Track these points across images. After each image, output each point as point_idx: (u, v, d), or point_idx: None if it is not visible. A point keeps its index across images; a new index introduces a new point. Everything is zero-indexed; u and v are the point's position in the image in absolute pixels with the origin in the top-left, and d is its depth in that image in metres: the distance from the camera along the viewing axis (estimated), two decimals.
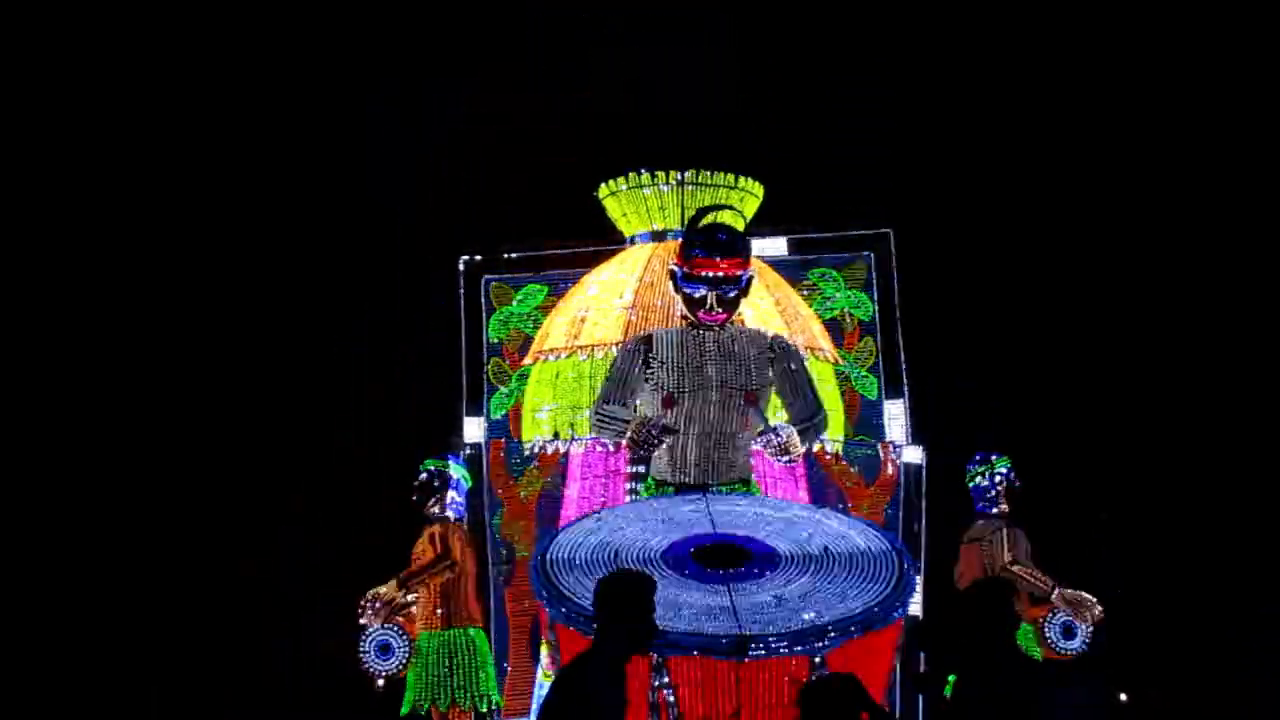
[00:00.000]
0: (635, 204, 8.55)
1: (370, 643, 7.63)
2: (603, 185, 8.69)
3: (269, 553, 9.83)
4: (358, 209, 10.07)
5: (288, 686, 9.44)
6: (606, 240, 8.90)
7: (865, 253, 8.72)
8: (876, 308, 8.67)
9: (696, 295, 6.29)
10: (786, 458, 6.09)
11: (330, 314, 10.32)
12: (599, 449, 7.91)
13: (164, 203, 9.59)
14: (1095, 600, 7.74)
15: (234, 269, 10.03)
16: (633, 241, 8.72)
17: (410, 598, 7.77)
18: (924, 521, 8.16)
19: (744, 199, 8.49)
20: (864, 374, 8.57)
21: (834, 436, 7.98)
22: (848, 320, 8.68)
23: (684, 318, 6.58)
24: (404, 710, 7.75)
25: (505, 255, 8.98)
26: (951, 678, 7.09)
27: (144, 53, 9.32)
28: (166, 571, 9.47)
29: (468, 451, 8.48)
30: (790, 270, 8.68)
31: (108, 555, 9.35)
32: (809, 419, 6.38)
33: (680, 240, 6.87)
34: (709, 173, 8.44)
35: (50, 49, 9.22)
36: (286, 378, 10.18)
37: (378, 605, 7.60)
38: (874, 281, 8.71)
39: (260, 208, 10.11)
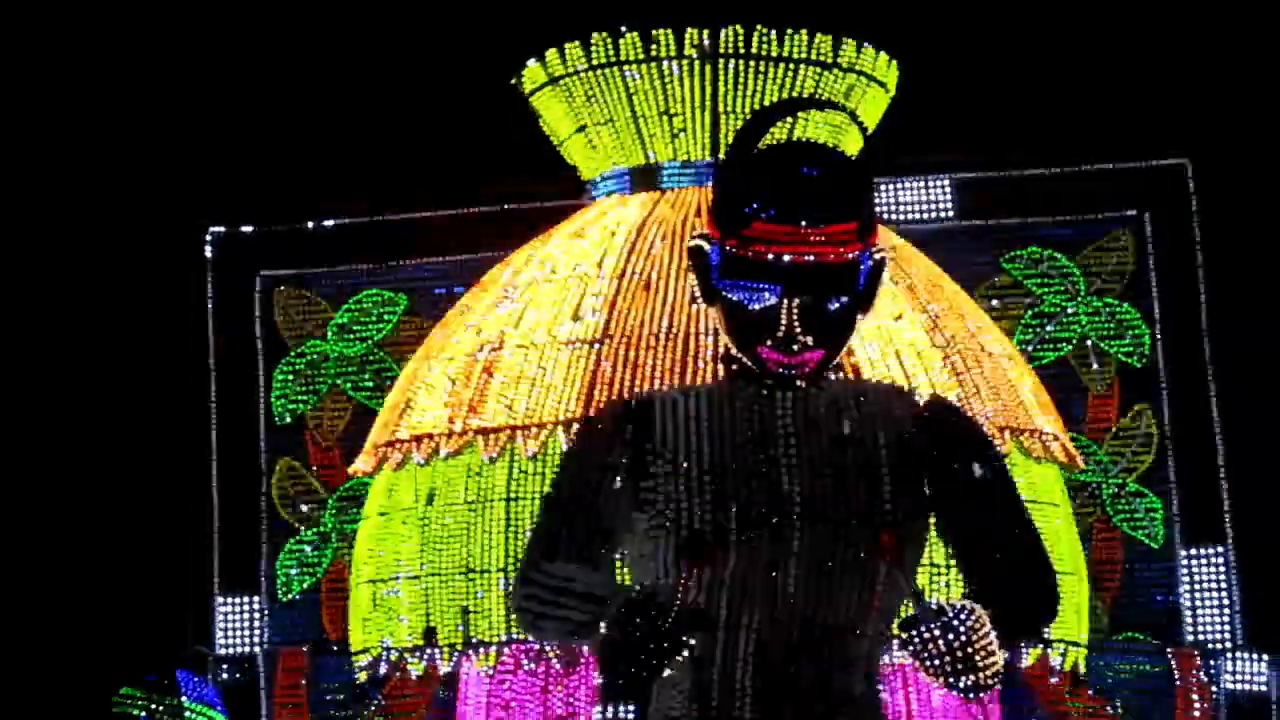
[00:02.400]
0: (607, 103, 8.82)
1: None
2: (532, 64, 8.94)
3: None
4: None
5: None
6: (537, 189, 9.30)
7: (1134, 214, 9.12)
8: (1159, 335, 9.01)
9: (756, 308, 6.17)
10: (968, 679, 6.00)
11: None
12: (529, 667, 8.10)
13: None
14: None
15: None
16: (600, 191, 9.02)
17: None
18: None
19: (856, 92, 8.73)
20: (1136, 490, 8.93)
21: (1070, 633, 8.15)
22: (1096, 364, 9.06)
23: (726, 361, 6.50)
24: None
25: (309, 224, 9.36)
26: None
27: None
28: None
29: (223, 673, 8.80)
30: (966, 255, 9.05)
31: None
32: (1018, 591, 6.29)
33: (714, 184, 6.83)
34: (772, 31, 8.69)
35: None
36: None
37: None
38: (1154, 279, 9.09)
39: None
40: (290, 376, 9.09)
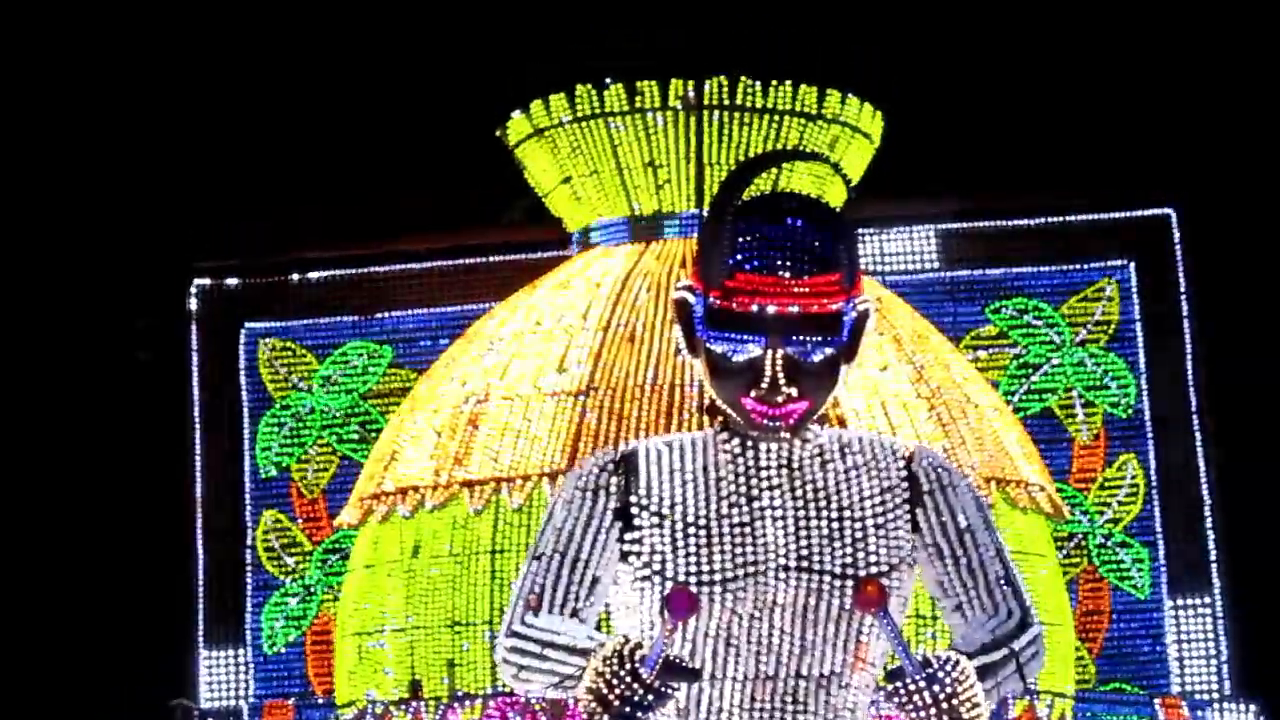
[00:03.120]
0: (591, 155, 8.85)
1: None
2: (517, 116, 8.96)
3: None
4: None
5: None
6: (522, 241, 9.38)
7: (1120, 264, 9.17)
8: (1148, 386, 9.05)
9: (740, 359, 6.16)
10: None
11: None
12: (515, 718, 8.12)
13: None
14: None
15: None
16: (585, 243, 9.02)
17: None
18: None
19: (841, 143, 8.75)
20: (1122, 540, 8.95)
21: (1057, 684, 8.17)
22: (1082, 417, 9.09)
23: (710, 413, 6.49)
24: None
25: (294, 277, 9.38)
26: None
27: None
28: None
29: None
30: (952, 305, 9.13)
31: None
32: (1003, 642, 6.29)
33: (699, 235, 6.85)
34: (756, 82, 8.72)
35: None
36: None
37: None
38: (1139, 326, 9.15)
39: None
40: (275, 429, 9.11)
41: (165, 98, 10.79)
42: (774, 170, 7.97)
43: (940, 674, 6.53)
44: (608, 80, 8.72)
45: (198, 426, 9.13)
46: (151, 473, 9.45)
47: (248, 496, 8.99)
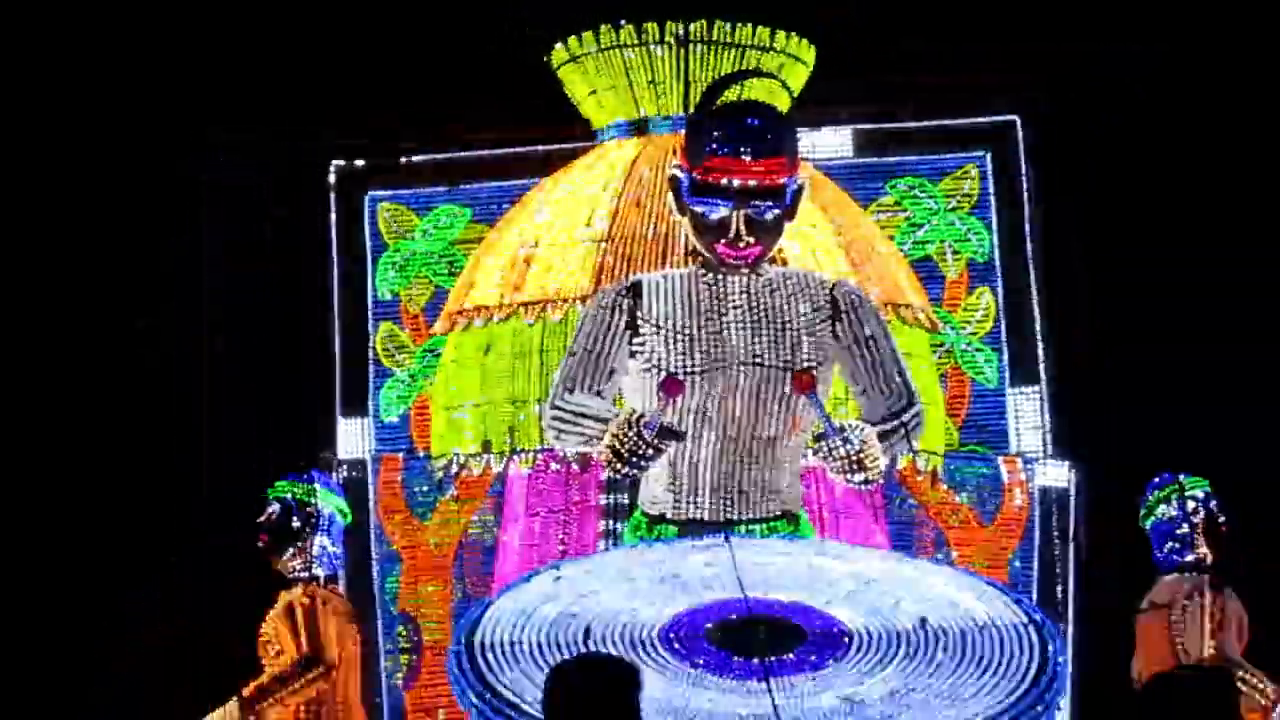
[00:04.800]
0: (610, 75, 8.65)
1: None
2: (558, 47, 8.76)
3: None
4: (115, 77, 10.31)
5: None
6: (563, 135, 9.04)
7: (979, 153, 8.86)
8: (995, 240, 8.78)
9: (713, 217, 6.21)
10: (860, 476, 6.03)
11: (95, 260, 10.48)
12: (556, 468, 7.99)
13: None
14: None
15: None
16: (606, 136, 8.84)
17: None
18: (1074, 579, 8.33)
19: (786, 66, 8.57)
20: (978, 347, 8.70)
21: (931, 446, 8.08)
22: (950, 260, 8.81)
23: (693, 255, 6.51)
24: None
25: (403, 159, 9.16)
26: None
27: None
28: None
29: (344, 472, 8.62)
30: (861, 182, 8.80)
31: None
32: (894, 416, 6.32)
33: (685, 130, 6.82)
34: (727, 24, 8.52)
35: None
36: (41, 364, 10.35)
37: None
38: (993, 199, 8.84)
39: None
40: (389, 266, 9.07)
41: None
42: (739, 85, 7.95)
43: (851, 436, 6.59)
44: (622, 22, 8.64)
45: (335, 266, 9.10)
46: (304, 300, 9.39)
47: (370, 314, 8.95)
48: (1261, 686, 7.92)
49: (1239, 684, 7.89)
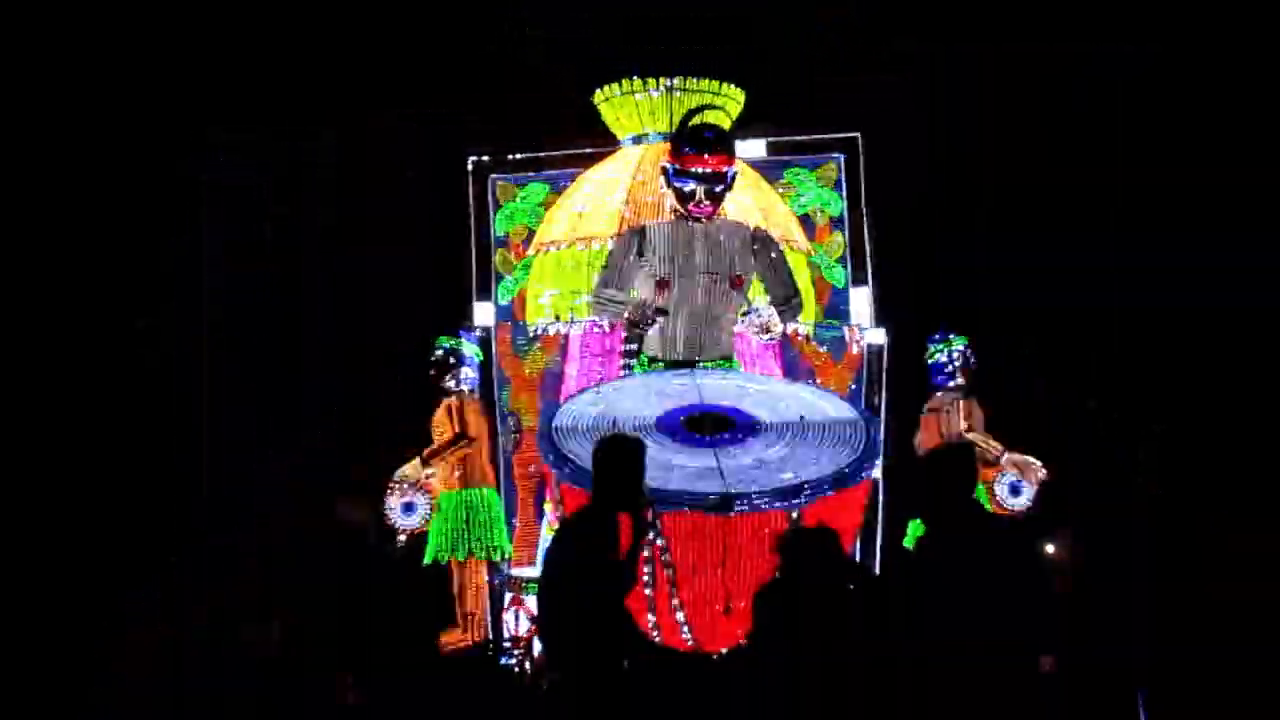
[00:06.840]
0: (627, 109, 8.53)
1: (396, 502, 7.86)
2: (598, 91, 8.64)
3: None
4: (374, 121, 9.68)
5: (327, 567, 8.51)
6: (602, 142, 8.86)
7: (836, 155, 8.76)
8: (845, 204, 8.70)
9: (686, 189, 6.33)
10: (767, 336, 6.20)
11: (358, 213, 9.85)
12: (596, 330, 7.88)
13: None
14: (1040, 464, 8.06)
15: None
16: (624, 143, 8.65)
17: (430, 472, 7.96)
18: (885, 395, 8.25)
19: (727, 104, 8.38)
20: (833, 264, 8.60)
21: (806, 320, 7.99)
22: (819, 216, 8.72)
23: (674, 211, 6.60)
24: (426, 560, 8.01)
25: (510, 157, 9.00)
26: (912, 530, 7.26)
27: None
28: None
29: (479, 333, 8.54)
30: (768, 170, 8.65)
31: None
32: (786, 301, 6.48)
33: (670, 140, 6.87)
34: (695, 79, 8.36)
35: None
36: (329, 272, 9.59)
37: (405, 486, 7.80)
38: (843, 181, 8.74)
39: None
40: (503, 218, 9.03)
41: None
42: (700, 114, 7.99)
43: (764, 310, 6.68)
44: (634, 78, 8.55)
45: (473, 215, 8.96)
46: (453, 239, 8.86)
47: (492, 244, 8.88)
48: (991, 447, 8.10)
49: (976, 446, 8.07)
